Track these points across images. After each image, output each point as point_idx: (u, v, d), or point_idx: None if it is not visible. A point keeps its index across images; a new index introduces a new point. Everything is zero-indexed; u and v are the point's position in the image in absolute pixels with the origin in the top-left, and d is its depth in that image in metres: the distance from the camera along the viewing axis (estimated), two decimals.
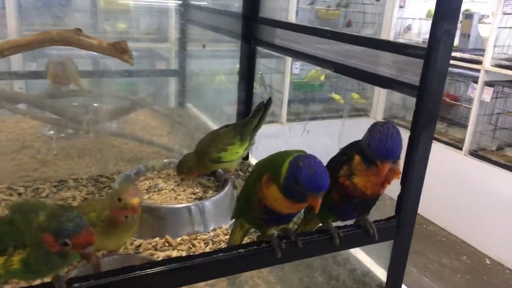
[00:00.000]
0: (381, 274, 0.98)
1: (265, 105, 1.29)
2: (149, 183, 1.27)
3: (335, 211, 0.77)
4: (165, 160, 1.39)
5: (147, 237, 1.07)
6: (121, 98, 1.89)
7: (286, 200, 0.65)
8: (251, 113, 1.32)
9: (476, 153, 3.79)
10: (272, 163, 0.68)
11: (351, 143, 0.78)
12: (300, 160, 0.61)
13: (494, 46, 3.68)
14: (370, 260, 1.03)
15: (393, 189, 0.82)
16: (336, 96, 4.87)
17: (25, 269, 0.74)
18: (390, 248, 0.88)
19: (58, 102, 1.68)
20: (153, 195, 1.20)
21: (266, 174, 0.68)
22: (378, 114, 4.88)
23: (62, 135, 1.70)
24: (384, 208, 0.84)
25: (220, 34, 1.77)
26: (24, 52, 1.07)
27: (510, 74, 3.58)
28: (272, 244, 0.72)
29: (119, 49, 1.05)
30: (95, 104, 1.89)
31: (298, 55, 1.21)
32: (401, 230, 0.84)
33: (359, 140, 0.76)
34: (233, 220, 1.17)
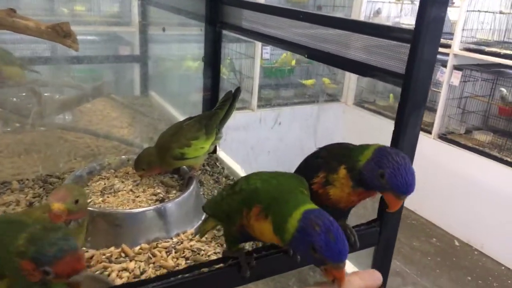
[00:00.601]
0: None
1: (234, 95, 1.18)
2: (104, 184, 1.13)
3: None
4: (123, 156, 1.25)
5: (101, 247, 0.94)
6: (74, 87, 1.72)
7: (278, 241, 0.54)
8: (218, 104, 1.21)
9: (445, 137, 3.82)
10: (266, 194, 0.56)
11: (332, 147, 0.68)
12: (315, 223, 0.49)
13: (463, 29, 3.68)
14: (350, 265, 0.94)
15: None
16: (309, 82, 4.80)
17: None
18: (371, 254, 0.80)
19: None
20: (108, 197, 1.07)
21: (256, 206, 0.56)
22: (348, 99, 4.85)
23: (9, 129, 1.53)
24: (361, 209, 0.74)
25: (183, 16, 1.63)
26: None
27: (478, 58, 3.59)
28: (240, 261, 0.62)
29: (60, 33, 0.90)
30: (46, 94, 1.72)
31: (268, 39, 1.10)
32: (385, 235, 0.76)
33: (344, 147, 0.65)
34: (199, 224, 1.07)
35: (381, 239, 0.76)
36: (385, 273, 0.80)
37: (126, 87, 2.39)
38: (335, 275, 0.49)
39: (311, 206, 0.53)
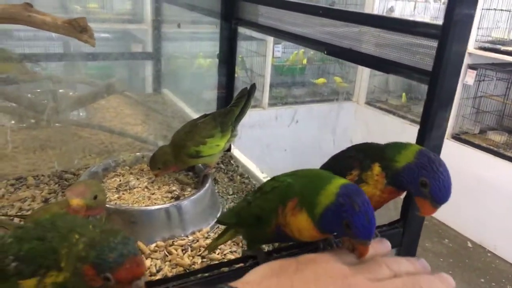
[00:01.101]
0: None
1: (249, 92, 1.17)
2: (119, 180, 1.13)
3: None
4: (138, 153, 1.24)
5: None
6: (88, 84, 1.72)
7: (316, 231, 0.53)
8: (233, 101, 1.19)
9: (458, 137, 3.77)
10: (303, 187, 0.55)
11: (362, 145, 0.66)
12: (354, 201, 0.49)
13: (478, 28, 3.62)
14: None
15: None
16: (320, 80, 4.77)
17: None
18: (393, 255, 0.78)
19: (17, 89, 1.51)
20: (123, 194, 1.07)
21: (292, 199, 0.54)
22: (360, 98, 4.81)
23: (24, 125, 1.54)
24: (382, 209, 0.72)
25: (198, 13, 1.62)
26: None
27: (493, 57, 3.53)
28: (259, 261, 0.60)
29: (77, 28, 0.89)
30: (61, 90, 1.72)
31: (285, 35, 1.08)
32: (408, 236, 0.74)
33: (377, 147, 0.63)
34: (214, 222, 1.06)
35: (404, 240, 0.74)
36: None
37: (138, 85, 2.40)
38: (360, 251, 0.49)
39: (347, 181, 0.52)
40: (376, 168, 0.59)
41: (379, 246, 0.52)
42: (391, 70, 0.76)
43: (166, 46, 2.18)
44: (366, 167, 0.60)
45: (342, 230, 0.50)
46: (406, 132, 4.01)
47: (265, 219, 0.57)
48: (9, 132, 1.40)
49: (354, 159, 0.63)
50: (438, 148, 0.71)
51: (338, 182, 0.52)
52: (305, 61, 4.81)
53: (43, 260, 0.60)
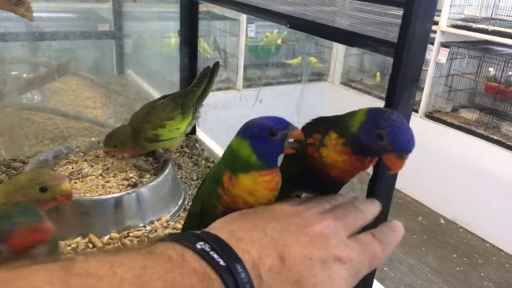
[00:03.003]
0: None
1: (211, 71, 1.10)
2: (72, 168, 1.05)
3: (295, 183, 0.62)
4: (93, 138, 1.16)
5: (67, 237, 0.86)
6: (44, 65, 1.60)
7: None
8: (194, 81, 1.12)
9: (431, 115, 3.79)
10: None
11: (319, 117, 0.62)
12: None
13: (451, 5, 3.61)
14: None
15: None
16: (295, 61, 4.70)
17: None
18: None
19: None
20: (75, 183, 0.99)
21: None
22: (335, 78, 4.78)
23: None
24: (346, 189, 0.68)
25: None
26: None
27: (466, 35, 3.53)
28: None
29: (11, 0, 0.80)
30: (13, 73, 1.60)
31: (246, 8, 1.01)
32: (374, 220, 0.69)
33: (334, 117, 0.59)
34: (175, 210, 0.99)
35: (370, 223, 0.69)
36: None
37: (104, 66, 2.28)
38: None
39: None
40: (333, 135, 0.55)
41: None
42: (356, 43, 0.70)
43: (129, 25, 2.07)
44: (324, 133, 0.57)
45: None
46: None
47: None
48: None
49: (314, 126, 0.60)
50: None
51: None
52: (279, 41, 4.72)
53: None
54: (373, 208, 0.55)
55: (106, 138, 1.01)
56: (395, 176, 0.71)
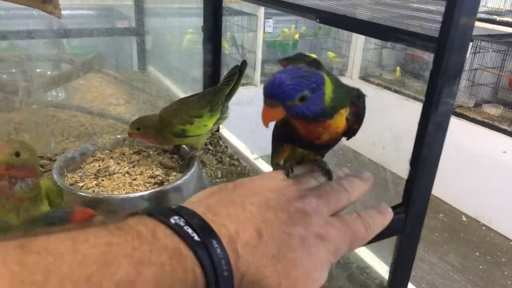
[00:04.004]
0: (382, 269, 0.82)
1: (240, 69, 1.09)
2: (99, 166, 1.05)
3: (284, 138, 0.61)
4: (119, 136, 1.16)
5: None
6: (68, 62, 1.61)
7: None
8: (223, 79, 1.11)
9: (454, 111, 3.70)
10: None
11: None
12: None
13: None
14: (368, 252, 0.87)
15: (399, 168, 0.64)
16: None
17: None
18: (394, 241, 0.71)
19: None
20: (102, 180, 0.99)
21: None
22: (354, 73, 4.72)
23: None
24: (384, 192, 0.66)
25: None
26: None
27: (489, 28, 3.44)
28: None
29: None
30: (38, 70, 1.62)
31: (273, 3, 0.99)
32: (411, 222, 0.67)
33: None
34: None
35: (406, 226, 0.67)
36: (410, 263, 0.72)
37: (126, 63, 2.29)
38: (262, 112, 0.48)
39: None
40: None
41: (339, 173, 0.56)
42: (392, 38, 0.67)
43: (150, 22, 2.07)
44: None
45: None
46: (401, 106, 3.94)
47: None
48: None
49: None
50: (443, 126, 0.64)
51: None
52: (297, 36, 4.69)
53: None
54: (360, 187, 0.54)
55: (132, 122, 1.02)
56: (432, 177, 0.68)
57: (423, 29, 0.62)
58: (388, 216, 0.53)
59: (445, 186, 3.70)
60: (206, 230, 0.38)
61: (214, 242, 0.38)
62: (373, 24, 0.71)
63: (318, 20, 0.84)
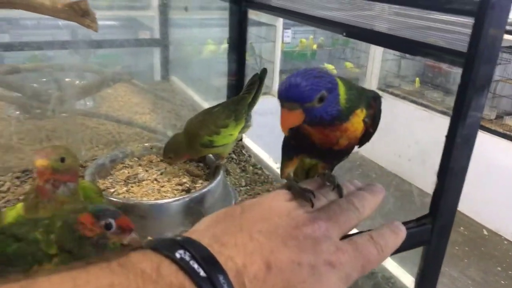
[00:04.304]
0: (407, 280, 0.83)
1: (260, 77, 1.11)
2: (128, 172, 1.08)
3: (298, 148, 0.59)
4: (146, 144, 1.19)
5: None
6: (95, 72, 1.67)
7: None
8: (244, 88, 1.14)
9: None
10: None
11: None
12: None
13: None
14: (392, 263, 0.87)
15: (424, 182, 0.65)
16: (329, 67, 4.67)
17: None
18: (420, 252, 0.72)
19: (21, 78, 1.47)
20: (132, 187, 1.02)
21: None
22: (372, 83, 4.71)
23: (28, 115, 1.50)
24: (408, 204, 0.67)
25: None
26: None
27: (510, 39, 3.40)
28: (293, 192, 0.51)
29: (78, 11, 0.84)
30: (67, 79, 1.68)
31: (300, 17, 1.02)
32: (437, 233, 0.68)
33: None
34: None
35: (433, 237, 0.68)
36: (436, 274, 0.73)
37: (146, 72, 2.35)
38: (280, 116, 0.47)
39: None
40: None
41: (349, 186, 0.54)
42: (419, 52, 0.69)
43: (173, 32, 2.12)
44: None
45: None
46: (420, 118, 3.91)
47: None
48: (14, 123, 1.36)
49: None
50: (471, 139, 0.65)
51: None
52: (315, 47, 4.71)
53: (31, 256, 0.59)
54: (371, 202, 0.52)
55: (163, 150, 1.06)
56: (459, 189, 0.69)
57: (449, 43, 0.63)
58: (401, 234, 0.50)
59: (466, 198, 3.61)
60: (212, 264, 0.37)
61: (221, 278, 0.36)
62: (401, 39, 0.73)
63: (344, 34, 0.86)
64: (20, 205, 0.74)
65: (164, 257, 0.36)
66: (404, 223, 0.67)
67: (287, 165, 0.57)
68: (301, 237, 0.42)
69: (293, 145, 0.56)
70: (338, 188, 0.52)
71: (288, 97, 0.45)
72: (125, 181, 1.05)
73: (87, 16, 0.85)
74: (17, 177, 1.14)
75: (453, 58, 0.63)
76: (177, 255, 0.36)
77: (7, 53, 2.29)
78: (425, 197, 0.72)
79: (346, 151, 0.55)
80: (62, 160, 0.71)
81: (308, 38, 4.64)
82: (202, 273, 0.35)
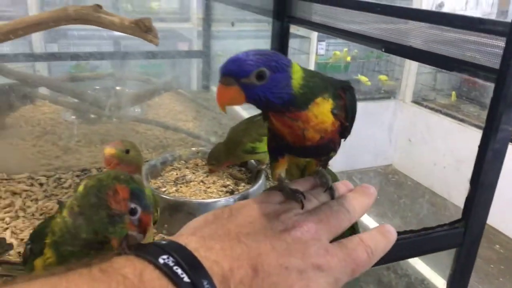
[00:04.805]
0: (439, 282, 0.87)
1: None
2: (177, 174, 1.18)
3: (278, 150, 0.56)
4: (193, 148, 1.29)
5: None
6: (145, 81, 1.80)
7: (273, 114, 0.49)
8: None
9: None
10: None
11: None
12: None
13: None
14: (424, 266, 0.92)
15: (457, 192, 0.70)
16: (363, 78, 4.69)
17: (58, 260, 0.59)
18: (452, 255, 0.77)
19: (78, 86, 1.60)
20: (181, 187, 1.12)
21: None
22: (407, 96, 4.68)
23: (82, 120, 1.63)
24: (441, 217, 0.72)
25: (249, 11, 1.65)
26: (40, 31, 0.98)
27: None
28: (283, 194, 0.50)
29: (142, 28, 0.95)
30: (118, 88, 1.81)
31: (340, 33, 1.09)
32: (469, 237, 0.73)
33: None
34: None
35: (465, 240, 0.73)
36: (467, 275, 0.77)
37: (185, 82, 2.47)
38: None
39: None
40: None
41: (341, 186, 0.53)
42: (454, 68, 0.75)
43: (215, 44, 2.23)
44: None
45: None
46: (455, 131, 3.86)
47: None
48: (76, 127, 1.49)
49: None
50: (501, 153, 0.70)
51: None
52: (349, 59, 4.75)
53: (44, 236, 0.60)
54: (363, 205, 0.51)
55: (207, 158, 1.16)
56: (490, 196, 0.74)
57: (482, 60, 0.69)
58: (391, 237, 0.48)
59: (502, 215, 3.55)
60: (197, 269, 0.36)
61: (205, 283, 0.35)
62: (437, 56, 0.78)
63: (383, 50, 0.93)
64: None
65: (148, 263, 0.35)
66: (438, 226, 0.73)
67: (275, 166, 0.55)
68: (289, 240, 0.41)
69: (274, 146, 0.54)
70: (330, 190, 0.51)
71: (225, 71, 0.43)
72: (174, 181, 1.14)
73: (150, 32, 0.95)
74: (77, 176, 1.26)
75: (486, 74, 0.69)
76: (161, 260, 0.35)
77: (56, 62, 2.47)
78: (457, 211, 0.77)
79: (326, 147, 0.52)
80: (127, 151, 0.80)
81: (342, 50, 4.69)
82: (186, 279, 0.34)
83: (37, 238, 0.65)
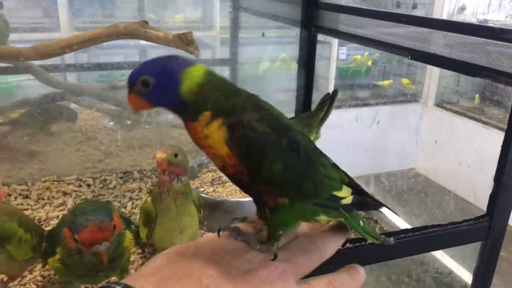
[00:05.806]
0: (464, 275, 0.92)
1: (331, 96, 1.26)
2: (212, 175, 1.26)
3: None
4: None
5: (215, 230, 1.06)
6: None
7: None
8: (317, 105, 1.29)
9: None
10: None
11: None
12: None
13: None
14: (450, 260, 0.97)
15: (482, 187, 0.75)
16: (386, 82, 4.71)
17: (66, 271, 0.73)
18: (477, 249, 0.82)
19: (117, 94, 1.71)
20: (217, 187, 1.20)
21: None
22: (429, 100, 4.68)
23: (119, 126, 1.73)
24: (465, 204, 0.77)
25: (277, 21, 1.72)
26: (92, 45, 1.08)
27: None
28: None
29: (185, 41, 1.03)
30: None
31: (367, 42, 1.15)
32: (493, 231, 0.78)
33: None
34: None
35: (489, 235, 0.78)
36: (492, 268, 0.82)
37: None
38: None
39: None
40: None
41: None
42: (477, 74, 0.80)
43: (241, 52, 2.31)
44: None
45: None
46: (479, 134, 3.84)
47: None
48: (119, 133, 1.59)
49: None
50: None
51: None
52: (370, 63, 4.77)
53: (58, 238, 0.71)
54: (335, 242, 0.49)
55: None
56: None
57: (505, 66, 0.74)
58: (360, 279, 0.46)
59: None
60: None
61: None
62: (462, 63, 0.84)
63: (409, 57, 0.99)
64: (149, 198, 0.92)
65: None
66: (464, 221, 0.79)
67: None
68: (254, 281, 0.40)
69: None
70: (267, 250, 0.45)
71: (127, 80, 0.44)
72: (211, 182, 1.22)
73: (192, 44, 1.04)
74: (120, 177, 1.36)
75: (508, 79, 0.74)
76: None
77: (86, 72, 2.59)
78: (481, 213, 0.83)
79: (254, 192, 0.49)
80: (176, 155, 0.89)
81: (363, 55, 4.72)
82: None
83: (50, 239, 0.77)
